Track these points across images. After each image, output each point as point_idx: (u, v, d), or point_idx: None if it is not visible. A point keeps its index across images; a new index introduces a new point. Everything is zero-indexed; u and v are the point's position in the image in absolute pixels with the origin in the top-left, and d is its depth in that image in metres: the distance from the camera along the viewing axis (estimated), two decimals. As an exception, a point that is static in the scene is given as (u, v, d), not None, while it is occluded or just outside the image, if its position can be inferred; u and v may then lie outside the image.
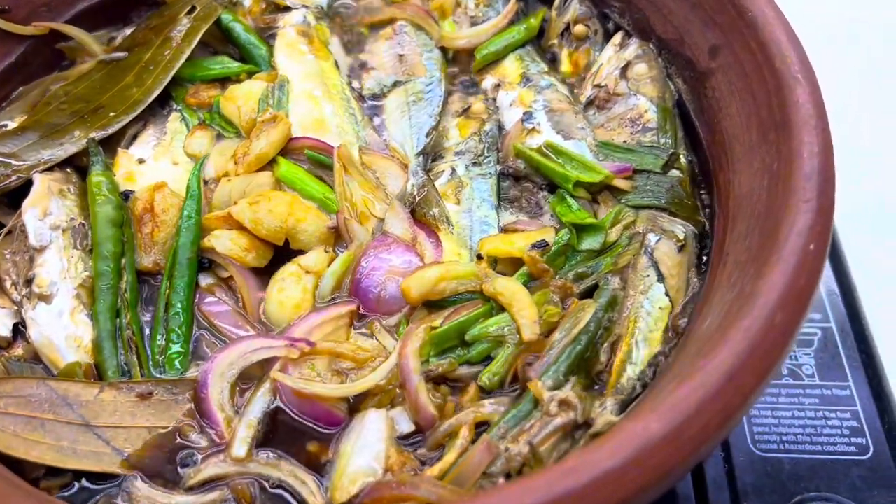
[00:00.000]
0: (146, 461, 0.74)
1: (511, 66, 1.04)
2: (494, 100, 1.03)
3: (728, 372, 0.58)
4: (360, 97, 1.04)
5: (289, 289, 0.84)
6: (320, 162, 0.93)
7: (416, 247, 0.87)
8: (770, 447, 0.99)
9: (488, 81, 1.05)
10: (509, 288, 0.80)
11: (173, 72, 1.01)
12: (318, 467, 0.75)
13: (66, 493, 0.73)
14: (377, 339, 0.81)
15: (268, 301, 0.85)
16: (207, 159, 0.95)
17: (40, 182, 0.88)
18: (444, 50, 1.08)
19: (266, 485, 0.73)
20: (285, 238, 0.87)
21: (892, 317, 1.13)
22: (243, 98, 0.98)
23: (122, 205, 0.89)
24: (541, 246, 0.84)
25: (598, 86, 0.99)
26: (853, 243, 1.20)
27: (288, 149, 0.94)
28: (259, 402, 0.77)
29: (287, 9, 1.11)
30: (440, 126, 0.99)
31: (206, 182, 0.93)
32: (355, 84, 1.05)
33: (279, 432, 0.77)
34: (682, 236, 0.85)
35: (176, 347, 0.81)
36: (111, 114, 0.97)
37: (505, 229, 0.90)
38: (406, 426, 0.75)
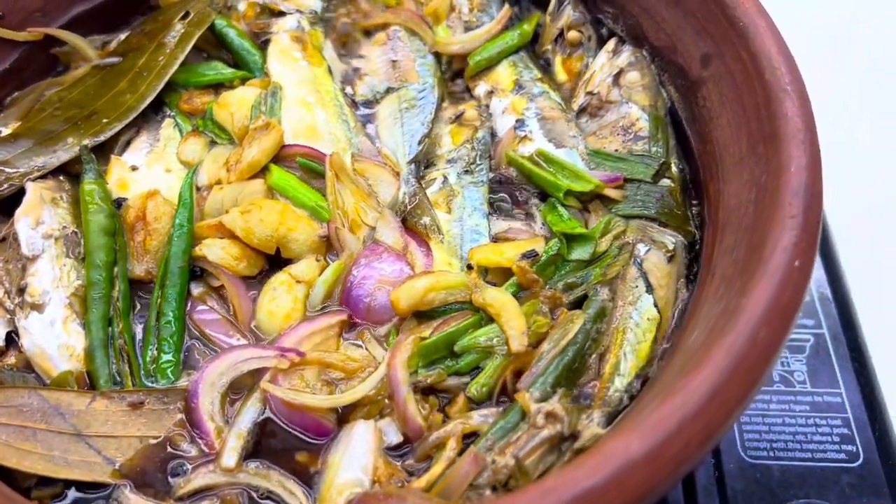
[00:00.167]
0: (137, 471, 0.75)
1: (504, 73, 1.04)
2: (487, 106, 1.03)
3: (711, 390, 0.58)
4: (354, 103, 1.04)
5: (279, 298, 0.85)
6: (312, 169, 0.94)
7: (407, 256, 0.87)
8: (760, 454, 1.00)
9: (481, 88, 1.05)
10: (498, 299, 0.80)
11: (167, 78, 1.01)
12: (308, 477, 0.75)
13: (58, 503, 0.74)
14: (367, 349, 0.82)
15: (259, 310, 0.85)
16: (200, 166, 0.95)
17: (33, 191, 0.89)
18: (437, 55, 1.08)
19: (255, 495, 0.74)
20: (276, 247, 0.88)
21: (886, 323, 1.13)
22: (236, 105, 0.99)
23: (115, 213, 0.89)
24: (530, 256, 0.84)
25: (590, 93, 0.99)
26: (848, 248, 1.20)
27: (280, 156, 0.95)
28: (249, 413, 0.77)
29: (281, 14, 1.11)
30: (433, 133, 0.99)
31: (198, 189, 0.93)
32: (348, 90, 1.05)
33: (269, 442, 0.78)
34: (671, 247, 0.85)
35: (167, 357, 0.82)
36: (104, 120, 0.97)
37: (496, 238, 0.91)
38: (394, 437, 0.76)
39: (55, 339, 0.82)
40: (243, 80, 1.05)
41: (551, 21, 1.08)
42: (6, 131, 0.97)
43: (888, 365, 1.07)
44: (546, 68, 1.08)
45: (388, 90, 1.05)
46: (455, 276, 0.83)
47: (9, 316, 0.84)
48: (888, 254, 1.27)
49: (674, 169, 0.92)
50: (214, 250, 0.86)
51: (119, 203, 0.91)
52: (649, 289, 0.82)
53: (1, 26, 1.02)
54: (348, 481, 0.72)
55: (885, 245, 1.28)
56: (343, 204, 0.91)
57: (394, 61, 1.07)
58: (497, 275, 0.86)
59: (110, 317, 0.84)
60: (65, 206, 0.90)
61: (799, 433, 1.01)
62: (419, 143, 0.97)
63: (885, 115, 1.44)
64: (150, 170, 0.96)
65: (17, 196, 0.90)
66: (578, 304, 0.83)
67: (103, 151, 0.97)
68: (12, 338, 0.84)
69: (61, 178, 0.94)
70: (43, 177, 0.92)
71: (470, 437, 0.75)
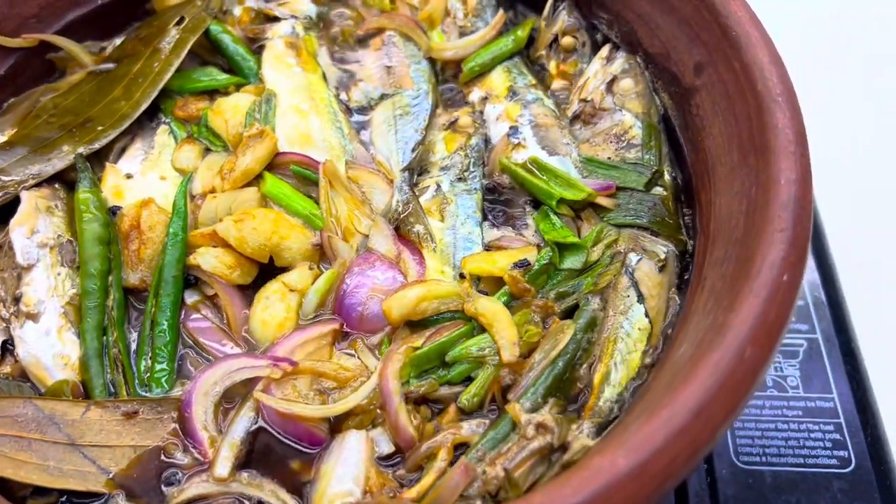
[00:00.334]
0: (131, 480, 0.76)
1: (498, 79, 1.04)
2: (481, 112, 1.03)
3: (697, 407, 0.59)
4: (348, 109, 1.04)
5: (273, 307, 0.85)
6: (306, 177, 0.94)
7: (400, 264, 0.88)
8: (753, 459, 1.00)
9: (475, 94, 1.05)
10: (490, 308, 0.81)
11: (161, 85, 1.01)
12: (300, 486, 0.76)
13: (52, 512, 0.75)
14: (359, 358, 0.82)
15: (252, 319, 0.86)
16: (195, 174, 0.95)
17: (28, 200, 0.89)
18: (432, 61, 1.08)
19: (248, 504, 0.75)
20: (270, 255, 0.88)
21: (880, 327, 1.14)
22: (230, 111, 0.99)
23: (109, 222, 0.89)
24: (523, 265, 0.84)
25: (584, 100, 0.99)
26: (843, 251, 1.20)
27: (274, 164, 0.95)
28: (242, 422, 0.78)
29: (276, 19, 1.11)
30: (426, 140, 0.99)
31: (193, 197, 0.94)
32: (343, 96, 1.06)
33: (262, 451, 0.78)
34: (663, 256, 0.85)
35: (161, 366, 0.83)
36: (99, 128, 0.98)
37: (489, 246, 0.91)
38: (386, 447, 0.77)
39: (50, 348, 0.82)
40: (238, 87, 1.05)
41: (546, 26, 1.08)
42: (2, 138, 0.98)
43: (881, 370, 1.08)
44: (540, 74, 1.08)
45: (383, 96, 1.05)
46: (447, 285, 0.84)
47: (4, 325, 0.84)
48: (883, 257, 1.27)
49: (666, 177, 0.92)
50: (208, 259, 0.87)
51: (114, 211, 0.91)
52: (640, 298, 0.83)
53: (-4, 33, 1.03)
54: (340, 492, 0.73)
55: (880, 248, 1.28)
56: (336, 212, 0.91)
57: (388, 67, 1.07)
58: (489, 283, 0.86)
59: (105, 326, 0.84)
60: (60, 214, 0.91)
61: (791, 438, 1.02)
62: (413, 150, 0.97)
63: (881, 117, 1.44)
64: (145, 177, 0.96)
65: (12, 204, 0.90)
66: (570, 312, 0.84)
67: (98, 158, 0.98)
68: (7, 347, 0.84)
69: (56, 185, 0.94)
70: (38, 185, 0.93)
71: (461, 448, 0.76)
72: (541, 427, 0.73)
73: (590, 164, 0.94)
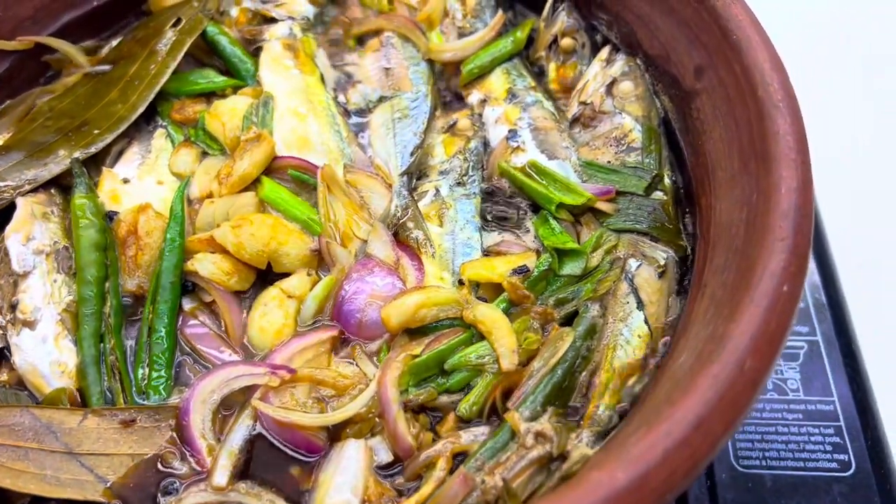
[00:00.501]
0: (129, 489, 0.75)
1: (497, 81, 1.04)
2: (480, 115, 1.03)
3: (696, 420, 0.58)
4: (346, 112, 1.04)
5: (271, 314, 0.85)
6: (304, 181, 0.93)
7: (399, 270, 0.87)
8: (752, 463, 1.00)
9: (474, 96, 1.04)
10: (489, 316, 0.80)
11: (158, 87, 1.01)
12: (299, 495, 0.76)
13: (50, 522, 0.74)
14: (358, 366, 0.82)
15: (250, 326, 0.85)
16: (192, 179, 0.95)
17: (24, 206, 0.89)
18: (431, 62, 1.08)
19: (246, 514, 0.74)
20: (268, 261, 0.87)
21: (881, 329, 1.13)
22: (228, 115, 0.98)
23: (106, 228, 0.89)
24: (522, 272, 0.84)
25: (583, 103, 0.98)
26: (844, 253, 1.19)
27: (272, 168, 0.94)
28: (240, 430, 0.78)
29: (273, 20, 1.10)
30: (425, 143, 0.99)
31: (190, 202, 0.93)
32: (341, 98, 1.05)
33: (261, 458, 0.78)
34: (662, 262, 0.85)
35: (159, 373, 0.82)
36: (95, 131, 0.97)
37: (488, 251, 0.90)
38: (385, 456, 0.76)
39: (47, 355, 0.82)
40: (235, 89, 1.04)
41: (545, 27, 1.07)
42: (-2, 142, 0.97)
43: (882, 372, 1.07)
44: (540, 75, 1.07)
45: (381, 98, 1.04)
46: (446, 292, 0.83)
47: (0, 332, 0.84)
48: (884, 258, 1.27)
49: (666, 181, 0.91)
50: (206, 265, 0.86)
51: (110, 217, 0.91)
52: (640, 305, 0.82)
53: (-9, 36, 1.02)
54: (338, 501, 0.72)
55: (880, 249, 1.28)
56: (335, 217, 0.90)
57: (387, 69, 1.06)
58: (488, 290, 0.86)
59: (102, 333, 0.84)
60: (56, 220, 0.90)
61: (791, 442, 1.02)
62: (411, 154, 0.96)
63: (881, 117, 1.43)
64: (142, 182, 0.96)
65: (7, 210, 0.90)
66: (570, 319, 0.83)
67: (95, 162, 0.97)
68: (4, 354, 0.84)
69: (52, 190, 0.94)
70: (34, 190, 0.92)
71: (461, 456, 0.75)
72: (540, 436, 0.73)
73: (589, 168, 0.93)
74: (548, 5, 1.08)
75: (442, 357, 0.80)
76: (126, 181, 0.95)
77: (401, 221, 0.90)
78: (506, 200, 0.95)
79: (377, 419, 0.78)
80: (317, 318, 0.86)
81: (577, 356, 0.79)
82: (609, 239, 0.87)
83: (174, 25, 1.07)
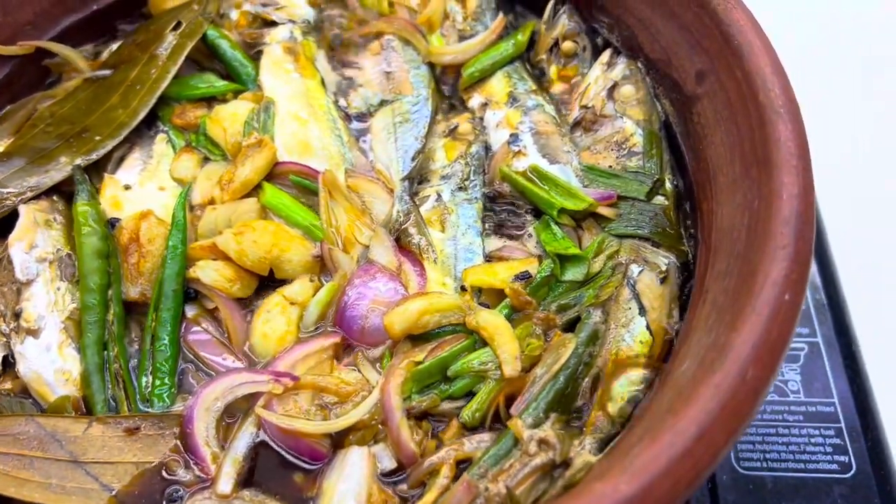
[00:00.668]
0: (133, 497, 0.76)
1: (498, 85, 1.03)
2: (481, 119, 1.03)
3: (699, 430, 0.59)
4: (347, 116, 1.04)
5: (273, 320, 0.85)
6: (306, 187, 0.93)
7: (401, 276, 0.88)
8: (753, 465, 1.00)
9: (475, 100, 1.04)
10: (492, 322, 0.80)
11: (159, 93, 1.00)
12: (303, 502, 0.76)
13: (56, 530, 0.75)
14: (361, 372, 0.82)
15: (253, 333, 0.85)
16: (193, 185, 0.95)
17: (26, 214, 0.89)
18: (432, 65, 1.07)
19: (250, 521, 0.75)
20: (270, 268, 0.88)
21: (881, 330, 1.13)
22: (229, 120, 0.98)
23: (108, 235, 0.89)
24: (524, 277, 0.84)
25: (584, 107, 0.98)
26: (844, 254, 1.20)
27: (273, 173, 0.94)
28: (244, 438, 0.78)
29: (273, 24, 1.10)
30: (426, 147, 0.99)
31: (192, 208, 0.93)
32: (342, 102, 1.05)
33: (265, 465, 0.78)
34: (664, 268, 0.85)
35: (162, 381, 0.82)
36: (97, 137, 0.97)
37: (490, 256, 0.91)
38: (388, 463, 0.77)
39: (51, 364, 0.82)
40: (236, 93, 1.04)
41: (546, 30, 1.07)
42: (-1, 148, 0.97)
43: (882, 373, 1.08)
44: (541, 78, 1.07)
45: (382, 102, 1.04)
46: (448, 298, 0.83)
47: (4, 340, 0.84)
48: (884, 259, 1.27)
49: (668, 185, 0.91)
50: (208, 272, 0.87)
51: (113, 223, 0.91)
52: (642, 311, 0.82)
53: (-9, 41, 1.02)
54: (342, 509, 0.73)
55: (881, 250, 1.28)
56: (336, 222, 0.91)
57: (387, 72, 1.06)
58: (490, 296, 0.86)
59: (105, 340, 0.84)
60: (58, 227, 0.90)
61: (792, 443, 1.02)
62: (413, 158, 0.96)
63: (881, 119, 1.43)
64: (144, 188, 0.96)
65: (10, 217, 0.90)
66: (572, 325, 0.83)
67: (96, 168, 0.97)
68: (8, 362, 0.84)
69: (54, 197, 0.94)
70: (36, 197, 0.92)
71: (464, 463, 0.76)
72: (543, 443, 0.73)
73: (591, 173, 0.93)
74: (549, 8, 1.07)
75: (445, 363, 0.80)
76: (128, 187, 0.95)
77: (403, 227, 0.91)
78: (507, 205, 0.95)
79: (380, 426, 0.78)
80: (319, 325, 0.86)
81: (579, 362, 0.79)
82: (611, 244, 0.87)
83: (174, 29, 1.06)
